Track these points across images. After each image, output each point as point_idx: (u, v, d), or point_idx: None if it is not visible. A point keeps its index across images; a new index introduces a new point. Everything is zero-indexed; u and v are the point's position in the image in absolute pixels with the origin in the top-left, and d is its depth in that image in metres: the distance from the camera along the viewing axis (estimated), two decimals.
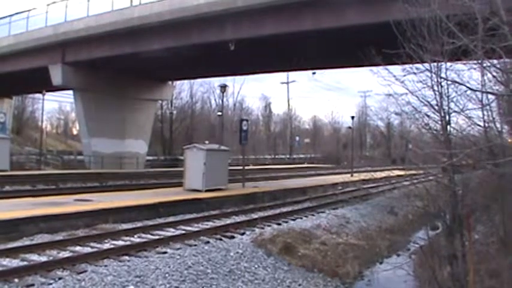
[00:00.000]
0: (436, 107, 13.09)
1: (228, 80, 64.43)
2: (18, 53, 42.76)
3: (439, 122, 13.28)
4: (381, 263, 19.80)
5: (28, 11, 43.66)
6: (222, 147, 31.33)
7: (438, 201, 14.34)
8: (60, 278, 11.69)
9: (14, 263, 12.85)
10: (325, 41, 30.15)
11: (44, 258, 13.37)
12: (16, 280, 11.31)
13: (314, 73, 56.42)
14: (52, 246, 14.73)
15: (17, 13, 44.62)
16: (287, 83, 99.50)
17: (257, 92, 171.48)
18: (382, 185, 31.47)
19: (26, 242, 15.42)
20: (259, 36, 30.37)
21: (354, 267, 17.67)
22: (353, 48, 20.10)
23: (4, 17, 45.62)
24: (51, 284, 11.32)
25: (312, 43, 30.94)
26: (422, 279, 16.04)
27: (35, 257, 13.50)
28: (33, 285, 11.14)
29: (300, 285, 15.37)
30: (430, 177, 15.84)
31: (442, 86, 12.86)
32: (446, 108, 12.99)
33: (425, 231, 17.91)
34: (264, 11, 28.81)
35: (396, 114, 18.18)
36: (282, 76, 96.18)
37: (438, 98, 12.97)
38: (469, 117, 12.60)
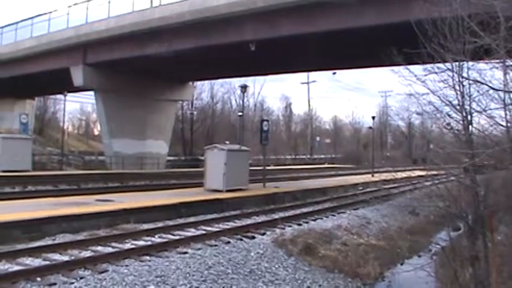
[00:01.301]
0: (458, 107, 12.99)
1: (248, 81, 64.35)
2: (40, 55, 43.12)
3: (461, 122, 13.18)
4: (402, 264, 19.69)
5: (50, 12, 43.93)
6: (243, 148, 31.32)
7: (460, 201, 14.24)
8: (81, 278, 11.77)
9: (36, 262, 12.94)
10: (345, 40, 30.07)
11: (65, 258, 13.46)
12: (39, 279, 11.39)
13: (334, 73, 56.46)
14: (74, 246, 14.82)
15: (38, 15, 45.00)
16: (307, 83, 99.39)
17: (278, 93, 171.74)
18: (403, 186, 31.38)
19: (48, 241, 15.54)
20: (279, 36, 30.31)
21: (374, 268, 17.59)
22: (373, 48, 20.09)
23: (26, 19, 45.99)
24: (73, 283, 11.39)
25: (332, 43, 30.91)
26: (443, 281, 15.93)
27: (57, 257, 13.59)
28: (55, 284, 11.22)
29: (320, 285, 15.32)
30: (452, 178, 15.74)
31: (463, 86, 12.77)
32: (468, 108, 12.89)
33: (446, 232, 17.83)
34: (283, 11, 28.75)
35: (417, 114, 18.17)
36: (302, 76, 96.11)
37: (460, 98, 12.88)
38: (491, 117, 12.49)
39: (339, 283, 16.00)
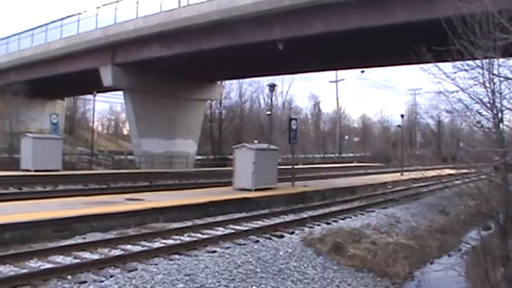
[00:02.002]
0: (488, 105, 12.87)
1: (276, 80, 64.49)
2: (70, 56, 43.55)
3: (492, 120, 13.06)
4: (431, 263, 19.53)
5: (79, 14, 44.33)
6: (271, 147, 31.30)
7: (491, 200, 14.10)
8: (111, 276, 11.85)
9: (67, 260, 13.08)
10: (373, 38, 29.89)
11: (95, 256, 13.56)
12: (69, 277, 11.50)
13: (363, 71, 56.13)
14: (103, 244, 14.94)
15: (68, 16, 45.41)
16: (336, 81, 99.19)
17: (306, 91, 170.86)
18: (432, 184, 31.08)
19: (78, 240, 15.71)
20: (307, 35, 30.21)
21: (404, 268, 17.47)
22: (402, 46, 19.91)
23: (56, 20, 46.51)
24: (102, 281, 11.47)
25: (360, 41, 30.76)
26: (474, 281, 15.77)
27: (87, 255, 13.70)
28: (85, 282, 11.31)
29: (349, 285, 15.25)
30: (483, 176, 15.58)
31: (494, 83, 12.65)
32: (499, 105, 12.77)
33: (477, 231, 17.65)
34: (311, 10, 28.65)
35: (447, 112, 18.01)
36: (330, 75, 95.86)
37: (490, 95, 12.75)
38: None
39: (368, 282, 15.91)
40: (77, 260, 13.06)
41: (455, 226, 25.45)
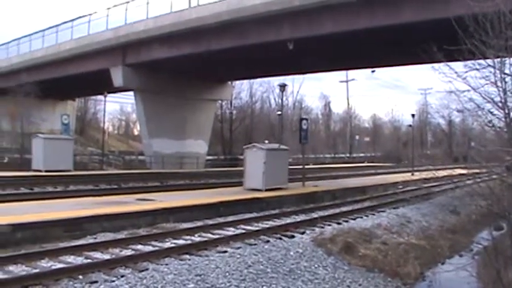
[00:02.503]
0: (500, 104, 12.81)
1: (287, 80, 64.23)
2: (80, 56, 43.74)
3: (503, 119, 12.99)
4: (442, 263, 19.44)
5: (89, 15, 44.54)
6: (282, 147, 31.32)
7: (502, 200, 14.02)
8: (122, 276, 11.85)
9: (78, 260, 13.11)
10: (382, 38, 29.83)
11: (106, 256, 13.57)
12: (80, 277, 11.52)
13: (373, 71, 56.00)
14: (114, 244, 14.95)
15: (78, 17, 45.59)
16: (346, 81, 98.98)
17: (316, 91, 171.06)
18: (444, 184, 30.99)
19: (89, 240, 15.75)
20: (316, 35, 30.17)
21: (415, 268, 17.40)
22: (412, 46, 19.86)
23: (67, 22, 46.69)
24: (113, 281, 11.48)
25: (370, 41, 30.70)
26: (486, 281, 15.69)
27: (98, 255, 13.72)
28: (96, 282, 11.32)
29: (360, 285, 15.21)
30: (494, 176, 15.50)
31: (506, 82, 12.59)
32: (511, 104, 12.70)
33: (489, 232, 17.53)
34: (320, 10, 28.63)
35: (458, 111, 17.91)
36: (341, 75, 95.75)
37: (502, 95, 12.69)
38: None
39: (379, 282, 15.86)
40: (88, 260, 13.08)
41: (466, 226, 25.31)
